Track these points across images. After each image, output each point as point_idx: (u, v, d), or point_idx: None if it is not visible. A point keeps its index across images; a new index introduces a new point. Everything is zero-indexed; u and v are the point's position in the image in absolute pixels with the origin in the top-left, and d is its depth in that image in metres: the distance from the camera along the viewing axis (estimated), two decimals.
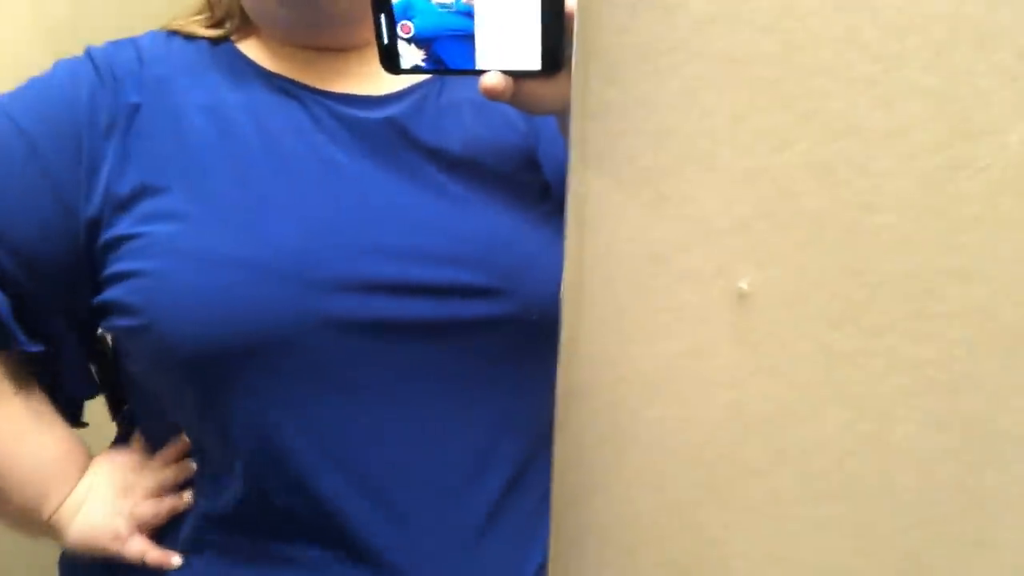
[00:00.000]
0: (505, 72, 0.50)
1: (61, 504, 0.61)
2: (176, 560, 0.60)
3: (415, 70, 0.53)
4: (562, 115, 0.52)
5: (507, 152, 0.60)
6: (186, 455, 0.61)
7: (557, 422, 0.42)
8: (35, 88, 0.58)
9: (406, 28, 0.51)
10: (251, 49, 0.61)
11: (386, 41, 0.52)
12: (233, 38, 0.62)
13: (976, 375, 0.34)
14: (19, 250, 0.55)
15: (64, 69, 0.58)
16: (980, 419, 0.34)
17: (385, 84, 0.59)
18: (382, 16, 0.51)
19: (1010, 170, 0.31)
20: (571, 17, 0.47)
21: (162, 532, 0.62)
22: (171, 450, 0.61)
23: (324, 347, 0.52)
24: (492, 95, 0.50)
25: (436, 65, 0.52)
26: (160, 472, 0.61)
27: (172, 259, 0.52)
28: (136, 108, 0.56)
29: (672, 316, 0.37)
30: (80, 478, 0.62)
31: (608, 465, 0.40)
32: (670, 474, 0.39)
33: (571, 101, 0.36)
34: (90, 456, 0.64)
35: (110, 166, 0.54)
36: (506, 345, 0.56)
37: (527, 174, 0.60)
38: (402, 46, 0.52)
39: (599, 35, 0.33)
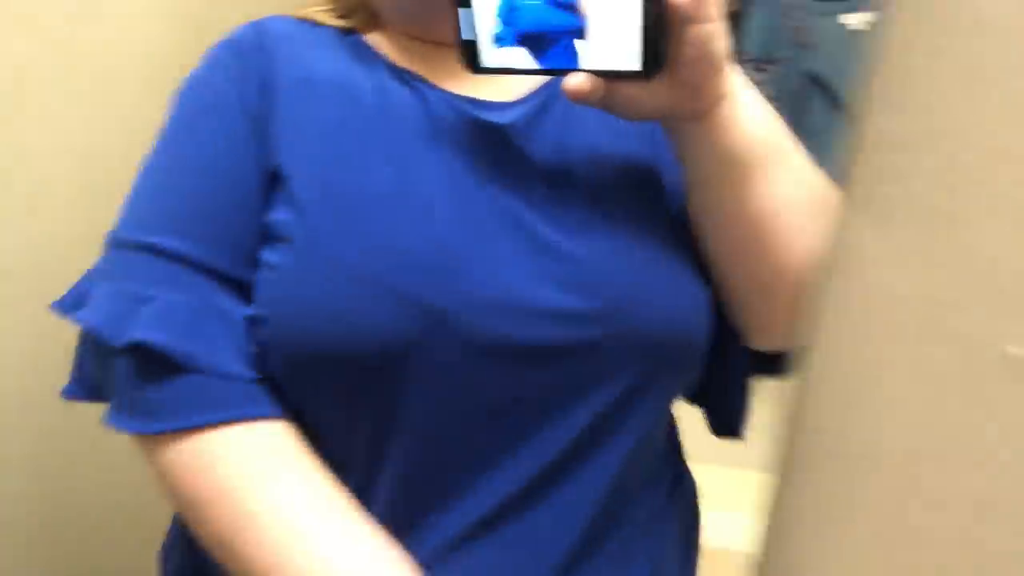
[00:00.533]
0: (600, 73, 0.47)
1: None
2: None
3: (499, 70, 0.49)
4: (662, 120, 0.51)
5: (630, 163, 0.57)
6: None
7: (773, 493, 0.36)
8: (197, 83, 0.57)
9: (492, 23, 0.48)
10: (378, 42, 0.60)
11: (464, 36, 0.49)
12: (360, 30, 0.61)
13: None
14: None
15: (213, 62, 0.57)
16: None
17: (510, 88, 0.58)
18: (459, 11, 0.48)
19: None
20: (672, 14, 0.45)
21: None
22: None
23: (431, 367, 0.49)
24: (577, 97, 0.47)
25: (529, 63, 0.48)
26: None
27: (292, 257, 0.50)
28: (271, 89, 0.55)
29: (935, 385, 0.32)
30: None
31: (830, 547, 0.35)
32: (907, 564, 0.34)
33: (847, 131, 0.31)
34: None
35: (262, 147, 0.53)
36: (612, 372, 0.53)
37: (648, 187, 0.57)
38: (487, 43, 0.48)
39: (904, 57, 0.29)
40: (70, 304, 0.53)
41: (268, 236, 0.52)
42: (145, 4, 0.88)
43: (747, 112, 0.51)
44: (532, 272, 0.51)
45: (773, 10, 1.86)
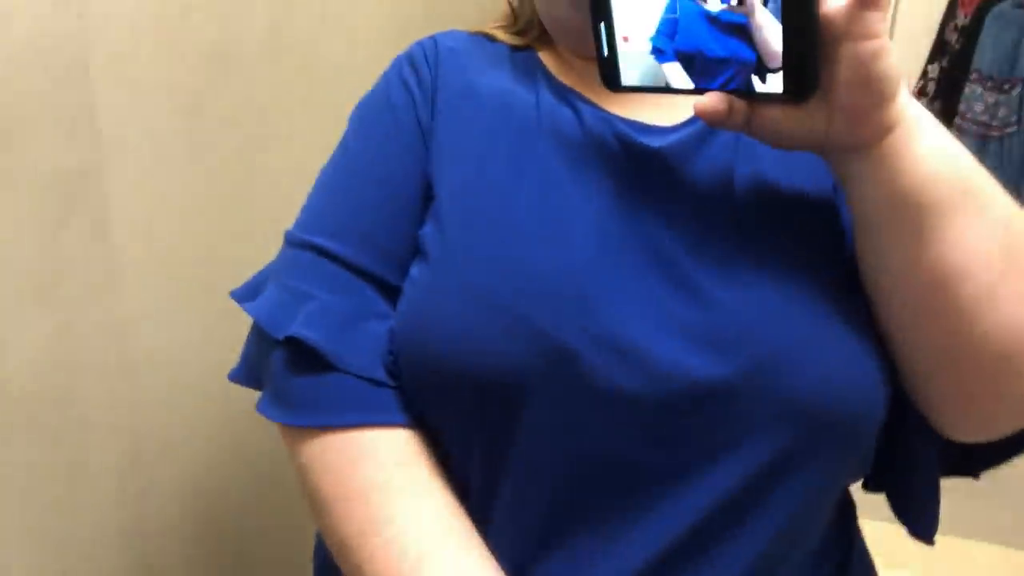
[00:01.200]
0: (741, 94, 0.42)
1: None
2: None
3: (638, 88, 0.46)
4: (823, 153, 0.44)
5: (805, 202, 0.50)
6: None
7: None
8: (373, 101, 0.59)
9: (626, 38, 0.45)
10: (548, 60, 0.58)
11: (606, 53, 0.46)
12: (535, 47, 0.60)
13: None
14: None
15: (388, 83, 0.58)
16: None
17: (678, 112, 0.53)
18: (602, 25, 0.45)
19: None
20: (825, 29, 0.39)
21: None
22: None
23: (548, 404, 0.45)
24: (712, 119, 0.42)
25: (668, 82, 0.45)
26: None
27: (428, 273, 0.49)
28: (435, 101, 0.55)
29: None
30: None
31: None
32: None
33: None
34: None
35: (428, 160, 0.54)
36: (749, 437, 0.45)
37: (822, 234, 0.50)
38: (629, 58, 0.45)
39: None
40: (245, 294, 0.56)
41: (418, 249, 0.52)
42: (369, 9, 0.93)
43: (926, 146, 0.42)
44: (668, 318, 0.46)
45: (1010, 21, 1.60)
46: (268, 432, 0.56)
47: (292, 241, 0.55)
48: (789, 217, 0.49)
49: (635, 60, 0.45)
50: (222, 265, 0.79)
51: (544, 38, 0.60)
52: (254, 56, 0.83)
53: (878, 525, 0.68)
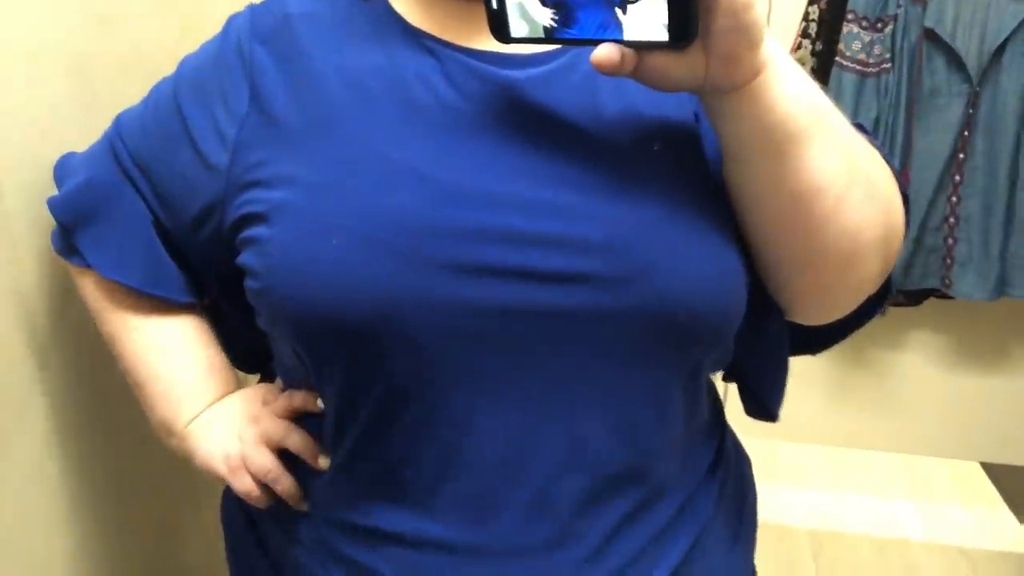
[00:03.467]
0: (629, 43, 0.45)
1: (191, 421, 0.64)
2: (293, 489, 0.60)
3: (527, 40, 0.48)
4: (697, 92, 0.48)
5: (666, 127, 0.55)
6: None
7: None
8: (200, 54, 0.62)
9: None
10: (401, 3, 0.58)
11: (495, 6, 0.48)
12: None
13: None
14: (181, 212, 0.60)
15: (222, 36, 0.61)
16: None
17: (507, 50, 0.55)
18: None
19: None
20: None
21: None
22: (302, 391, 0.61)
23: (430, 327, 0.50)
24: (605, 69, 0.45)
25: (557, 33, 0.47)
26: (288, 400, 0.61)
27: (290, 226, 0.52)
28: (270, 69, 0.57)
29: None
30: (215, 401, 0.65)
31: None
32: None
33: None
34: (236, 388, 0.68)
35: (243, 126, 0.56)
36: (625, 341, 0.52)
37: (684, 154, 0.55)
38: (515, 12, 0.48)
39: None
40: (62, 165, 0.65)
41: (250, 212, 0.54)
42: None
43: (786, 84, 0.48)
44: (533, 233, 0.50)
45: None
46: None
47: (109, 135, 0.63)
48: (654, 141, 0.54)
49: (516, 22, 0.48)
50: None
51: None
52: (140, 15, 0.82)
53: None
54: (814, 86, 0.50)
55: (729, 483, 0.66)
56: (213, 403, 0.65)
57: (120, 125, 0.63)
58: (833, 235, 0.51)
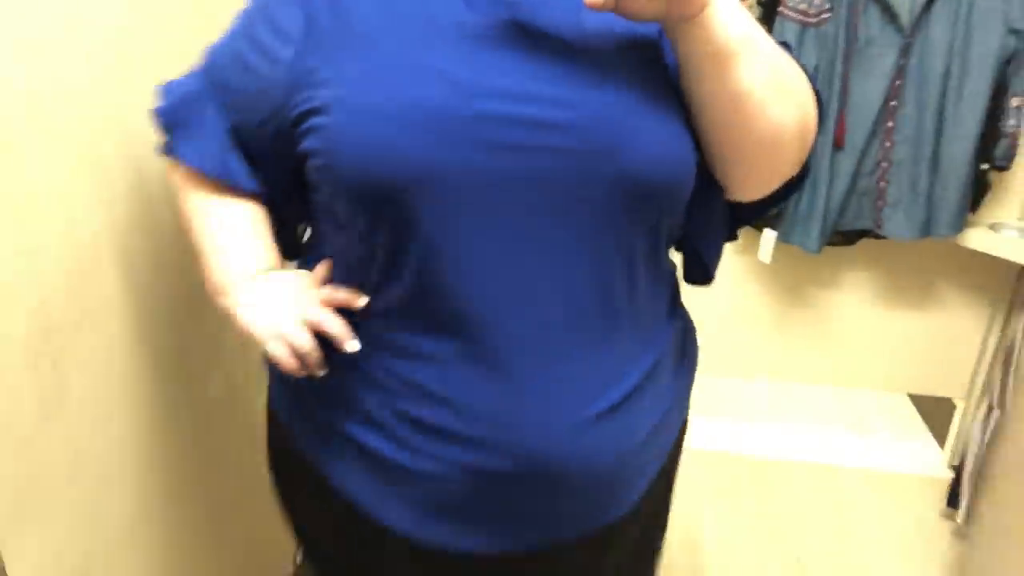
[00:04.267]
0: None
1: (241, 283, 0.76)
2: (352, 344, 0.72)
3: None
4: (659, 21, 0.64)
5: (637, 40, 0.70)
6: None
7: None
8: None
9: None
10: None
11: None
12: None
13: None
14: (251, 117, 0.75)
15: None
16: None
17: None
18: None
19: None
20: None
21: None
22: (347, 290, 0.73)
23: (453, 188, 0.65)
24: (596, 7, 0.60)
25: None
26: (334, 293, 0.73)
27: (344, 116, 0.66)
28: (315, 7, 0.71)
29: None
30: (264, 272, 0.77)
31: None
32: None
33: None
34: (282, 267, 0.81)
35: (299, 42, 0.70)
36: (601, 204, 0.67)
37: (651, 60, 0.70)
38: None
39: None
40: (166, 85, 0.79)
41: (308, 112, 0.68)
42: None
43: (723, 15, 0.64)
44: (534, 118, 0.65)
45: None
46: None
47: (204, 67, 0.78)
48: (627, 47, 0.69)
49: None
50: None
51: None
52: None
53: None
54: (747, 16, 0.65)
55: (679, 333, 0.83)
56: (262, 273, 0.77)
57: (208, 53, 0.78)
58: (760, 129, 0.68)
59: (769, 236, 2.03)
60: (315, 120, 0.68)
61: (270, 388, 0.87)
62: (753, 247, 2.13)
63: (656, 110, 0.67)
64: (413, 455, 0.72)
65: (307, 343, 0.71)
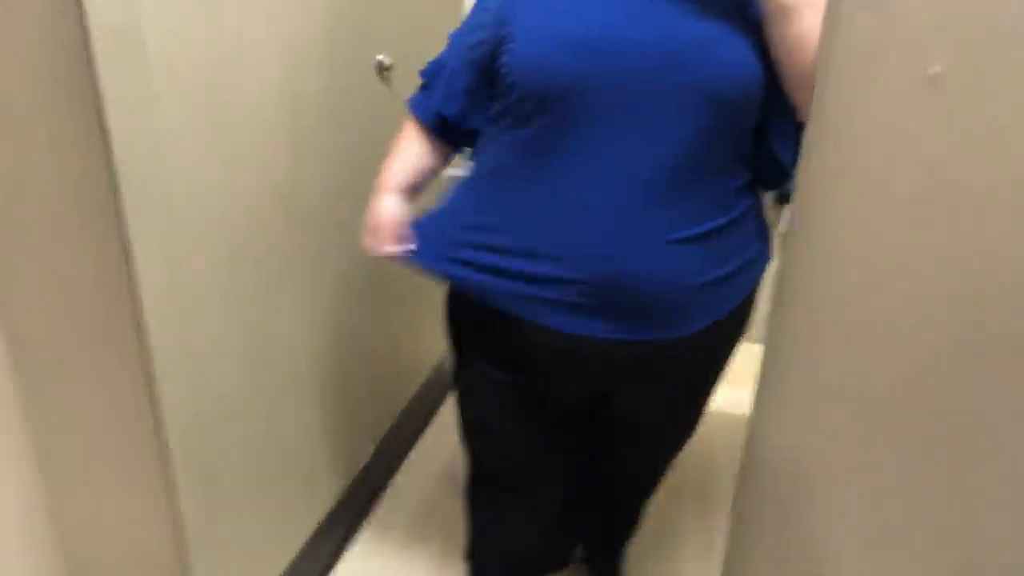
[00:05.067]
0: None
1: (385, 191, 1.26)
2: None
3: None
4: None
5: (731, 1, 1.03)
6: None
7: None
8: None
9: None
10: None
11: None
12: None
13: None
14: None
15: None
16: None
17: None
18: None
19: None
20: None
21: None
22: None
23: (593, 89, 1.00)
24: None
25: None
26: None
27: (523, 41, 1.05)
28: None
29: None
30: (399, 191, 1.26)
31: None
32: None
33: None
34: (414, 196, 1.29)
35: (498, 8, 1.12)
36: (694, 101, 1.00)
37: (742, 13, 1.02)
38: None
39: None
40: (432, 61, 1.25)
41: (506, 39, 1.07)
42: None
43: None
44: (648, 38, 1.00)
45: None
46: None
47: (449, 47, 1.23)
48: (724, 6, 1.02)
49: None
50: None
51: None
52: None
53: None
54: None
55: (756, 212, 1.15)
56: (391, 193, 1.25)
57: (452, 34, 1.22)
58: (805, 61, 0.97)
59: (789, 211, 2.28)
60: (507, 45, 1.06)
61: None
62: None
63: (734, 42, 1.00)
64: (542, 271, 1.07)
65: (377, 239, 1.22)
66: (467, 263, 1.14)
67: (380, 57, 1.63)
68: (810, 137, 0.62)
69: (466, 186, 1.18)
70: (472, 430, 1.32)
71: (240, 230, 1.24)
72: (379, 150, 1.32)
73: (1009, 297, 0.58)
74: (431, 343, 2.19)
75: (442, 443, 2.09)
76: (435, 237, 1.18)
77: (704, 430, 1.39)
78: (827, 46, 0.59)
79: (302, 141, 1.37)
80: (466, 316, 1.23)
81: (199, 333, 1.17)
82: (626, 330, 1.07)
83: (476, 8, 1.18)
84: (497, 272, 1.10)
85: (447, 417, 2.19)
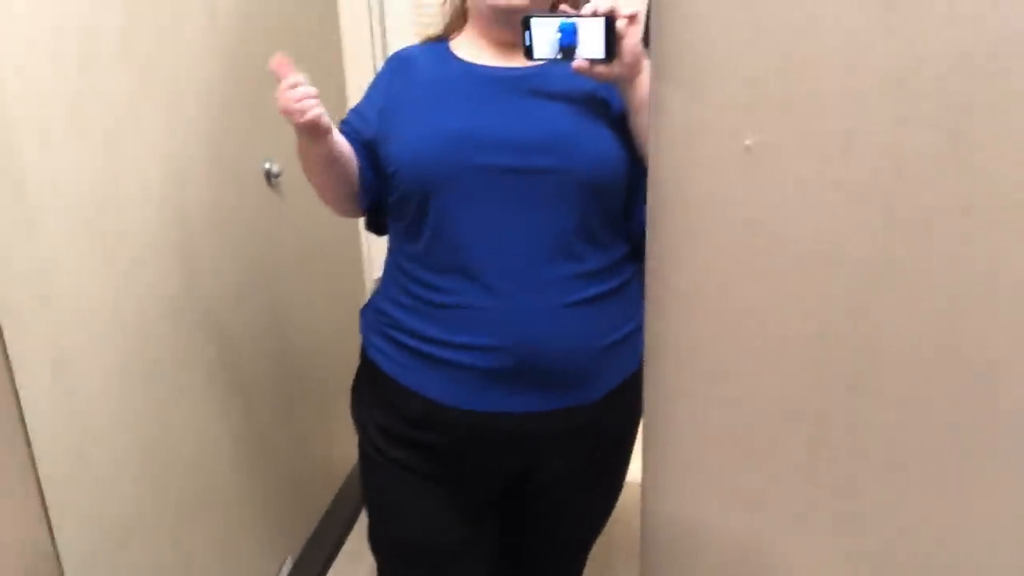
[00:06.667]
0: (588, 59, 1.07)
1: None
2: None
3: (541, 58, 1.10)
4: (617, 83, 1.09)
5: (590, 93, 1.14)
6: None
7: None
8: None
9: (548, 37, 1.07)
10: (455, 43, 1.26)
11: (526, 44, 1.08)
12: (450, 37, 1.28)
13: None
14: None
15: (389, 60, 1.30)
16: None
17: (524, 63, 1.16)
18: (525, 31, 1.06)
19: None
20: (622, 29, 1.05)
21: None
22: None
23: (470, 180, 1.10)
24: (580, 72, 1.08)
25: (556, 56, 1.07)
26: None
27: (399, 142, 1.15)
28: (394, 80, 1.24)
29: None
30: None
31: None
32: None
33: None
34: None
35: (381, 103, 1.23)
36: (564, 187, 1.10)
37: (601, 104, 1.14)
38: (535, 46, 1.07)
39: None
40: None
41: (385, 138, 1.18)
42: None
43: (645, 76, 1.07)
44: (514, 134, 1.11)
45: None
46: None
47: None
48: (588, 96, 1.14)
49: (539, 47, 1.09)
50: None
51: (453, 34, 1.27)
52: None
53: None
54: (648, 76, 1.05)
55: (638, 276, 1.21)
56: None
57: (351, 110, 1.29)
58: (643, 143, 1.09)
59: None
60: (387, 145, 1.17)
61: (360, 321, 1.30)
62: None
63: (599, 134, 1.12)
64: (445, 356, 1.14)
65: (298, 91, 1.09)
66: (379, 349, 1.19)
67: (267, 165, 1.66)
68: (651, 209, 0.69)
69: (384, 269, 1.26)
70: (383, 524, 1.31)
71: (132, 349, 1.22)
72: (271, 258, 1.33)
73: (837, 327, 0.65)
74: (345, 447, 2.16)
75: (366, 550, 2.04)
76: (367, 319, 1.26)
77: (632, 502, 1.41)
78: (654, 127, 0.66)
79: (191, 254, 1.38)
80: (376, 402, 1.25)
81: (93, 459, 1.14)
82: (538, 401, 1.12)
83: (367, 93, 1.29)
84: (411, 353, 1.16)
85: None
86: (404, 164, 1.12)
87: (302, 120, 1.08)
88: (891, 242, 0.63)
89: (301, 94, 1.07)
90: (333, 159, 1.17)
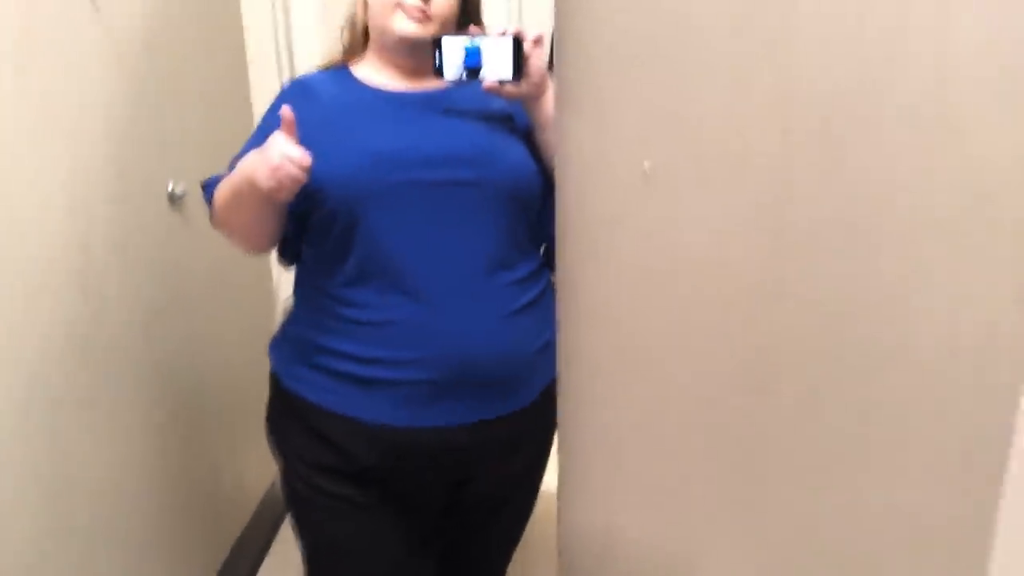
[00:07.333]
0: (497, 79, 1.09)
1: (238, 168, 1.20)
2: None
3: (451, 79, 1.11)
4: (522, 102, 1.17)
5: (497, 111, 1.22)
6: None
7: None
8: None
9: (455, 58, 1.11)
10: (357, 69, 1.28)
11: (437, 64, 1.12)
12: (350, 63, 1.29)
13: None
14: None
15: (285, 90, 1.29)
16: None
17: (428, 86, 1.18)
18: (436, 51, 1.10)
19: None
20: (528, 51, 1.12)
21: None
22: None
23: (399, 196, 1.13)
24: (490, 91, 1.15)
25: (465, 76, 1.11)
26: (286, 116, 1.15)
27: (325, 159, 1.09)
28: (297, 104, 1.13)
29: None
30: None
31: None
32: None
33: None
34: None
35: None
36: (486, 199, 1.17)
37: (508, 120, 1.22)
38: (445, 66, 1.11)
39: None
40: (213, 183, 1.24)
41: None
42: None
43: (550, 97, 1.14)
44: (436, 149, 1.15)
45: None
46: None
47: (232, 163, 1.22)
48: (497, 113, 1.22)
49: (448, 69, 1.14)
50: None
51: (353, 60, 1.29)
52: None
53: None
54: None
55: (550, 286, 1.29)
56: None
57: (237, 157, 1.19)
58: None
59: None
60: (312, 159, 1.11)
61: (272, 354, 1.29)
62: None
63: (513, 148, 1.19)
64: (384, 375, 1.14)
65: (295, 153, 1.05)
66: (302, 379, 1.19)
67: (171, 186, 1.62)
68: (559, 228, 0.72)
69: (298, 297, 1.24)
70: (331, 564, 1.27)
71: (32, 380, 1.18)
72: (178, 281, 1.31)
73: (736, 337, 0.70)
74: (257, 473, 2.12)
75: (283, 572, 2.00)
76: (286, 351, 1.25)
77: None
78: (559, 154, 0.70)
79: (92, 281, 1.34)
80: (301, 435, 1.22)
81: None
82: (476, 411, 1.15)
83: (264, 123, 1.22)
84: (342, 379, 1.16)
85: (284, 544, 2.11)
86: (331, 183, 1.11)
87: (281, 196, 1.05)
88: (780, 257, 0.68)
89: (301, 176, 1.04)
90: (278, 207, 1.13)
